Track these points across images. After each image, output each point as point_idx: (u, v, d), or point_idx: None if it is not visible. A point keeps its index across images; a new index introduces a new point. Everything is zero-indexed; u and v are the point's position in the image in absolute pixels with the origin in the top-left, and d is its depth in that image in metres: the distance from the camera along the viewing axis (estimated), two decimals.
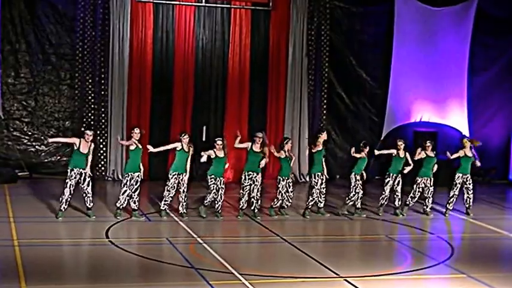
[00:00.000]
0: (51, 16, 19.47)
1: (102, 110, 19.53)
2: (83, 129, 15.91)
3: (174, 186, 15.03)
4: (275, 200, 15.68)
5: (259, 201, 15.45)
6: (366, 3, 21.03)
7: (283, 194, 15.56)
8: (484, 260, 13.10)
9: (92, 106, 19.54)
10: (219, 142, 15.20)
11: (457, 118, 21.45)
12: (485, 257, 13.36)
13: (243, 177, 15.34)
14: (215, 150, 15.16)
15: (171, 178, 15.03)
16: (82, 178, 14.86)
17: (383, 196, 16.20)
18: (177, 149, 15.15)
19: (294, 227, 14.91)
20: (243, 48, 20.25)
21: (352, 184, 16.05)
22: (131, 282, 11.15)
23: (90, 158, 14.96)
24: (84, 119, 19.52)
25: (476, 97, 21.63)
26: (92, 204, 15.05)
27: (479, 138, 21.66)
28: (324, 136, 15.93)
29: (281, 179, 15.53)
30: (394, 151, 16.24)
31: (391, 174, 16.16)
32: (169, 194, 15.06)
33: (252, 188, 15.29)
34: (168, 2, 19.83)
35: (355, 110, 21.32)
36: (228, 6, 20.16)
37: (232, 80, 20.25)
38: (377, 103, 21.25)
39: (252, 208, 15.38)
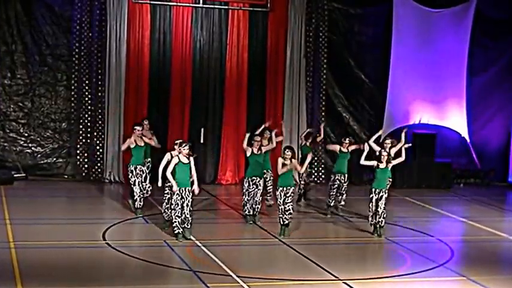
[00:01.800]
0: (48, 17, 19.37)
1: (99, 111, 19.44)
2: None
3: (178, 203, 13.35)
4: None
5: (260, 205, 15.32)
6: (364, 4, 20.96)
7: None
8: (483, 262, 13.08)
9: (89, 107, 19.44)
10: (186, 147, 13.39)
11: (456, 119, 21.41)
12: (484, 259, 13.34)
13: (246, 183, 15.00)
14: (180, 155, 13.38)
15: (174, 194, 13.45)
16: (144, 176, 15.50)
17: (370, 214, 14.48)
18: (175, 163, 13.34)
19: (293, 229, 14.81)
20: (241, 50, 20.16)
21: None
22: (129, 285, 11.09)
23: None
24: (81, 120, 19.43)
25: (475, 98, 21.58)
26: (141, 204, 15.34)
27: (479, 140, 21.73)
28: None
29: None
30: (374, 163, 14.56)
31: (375, 190, 14.42)
32: (175, 212, 13.39)
33: (255, 193, 15.00)
34: (165, 3, 19.74)
35: (354, 111, 21.25)
36: (226, 7, 20.08)
37: (230, 81, 20.16)
38: (376, 104, 21.18)
39: (254, 213, 15.13)
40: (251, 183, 14.98)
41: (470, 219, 16.69)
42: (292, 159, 14.03)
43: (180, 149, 13.43)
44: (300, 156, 17.68)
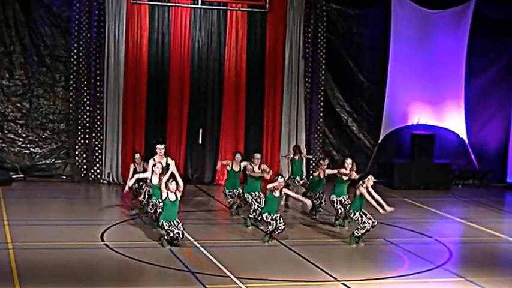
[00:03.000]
0: (46, 18, 19.34)
1: (97, 112, 19.42)
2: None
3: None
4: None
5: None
6: (363, 5, 20.97)
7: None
8: (482, 263, 13.08)
9: (87, 108, 19.42)
10: (173, 184, 13.09)
11: (455, 120, 21.41)
12: (483, 260, 13.34)
13: (248, 196, 15.02)
14: (169, 191, 13.08)
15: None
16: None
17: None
18: (162, 198, 13.11)
19: (291, 230, 14.80)
20: (240, 51, 20.15)
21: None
22: (127, 286, 11.07)
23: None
24: (79, 121, 19.41)
25: (473, 99, 21.59)
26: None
27: (477, 141, 21.74)
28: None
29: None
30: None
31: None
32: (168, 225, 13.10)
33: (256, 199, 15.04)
34: (163, 3, 19.73)
35: (352, 112, 21.25)
36: (224, 8, 20.07)
37: (229, 82, 20.15)
38: (374, 105, 21.19)
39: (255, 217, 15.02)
40: (251, 197, 15.03)
41: (468, 220, 16.68)
42: (282, 190, 13.79)
43: (167, 185, 13.04)
44: (289, 168, 18.05)
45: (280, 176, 13.91)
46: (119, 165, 19.47)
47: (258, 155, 15.63)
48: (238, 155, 16.01)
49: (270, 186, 13.82)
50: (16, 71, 19.40)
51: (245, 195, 15.25)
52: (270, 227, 13.71)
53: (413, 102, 21.17)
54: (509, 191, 21.22)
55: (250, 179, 15.30)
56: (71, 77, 19.45)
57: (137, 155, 16.42)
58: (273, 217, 13.70)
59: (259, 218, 14.72)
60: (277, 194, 13.81)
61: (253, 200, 14.98)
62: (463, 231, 16.16)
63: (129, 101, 19.63)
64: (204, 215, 16.17)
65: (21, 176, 19.20)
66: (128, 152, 19.25)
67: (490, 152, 21.88)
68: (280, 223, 13.68)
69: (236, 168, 15.84)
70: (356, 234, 13.83)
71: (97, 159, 19.48)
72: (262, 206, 14.43)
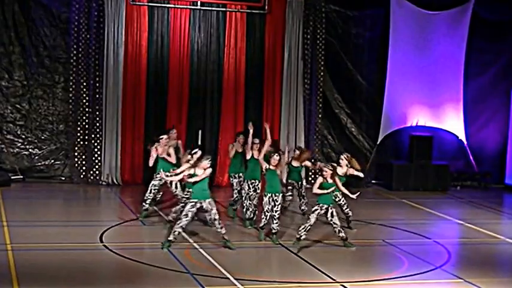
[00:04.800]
0: (46, 19, 19.35)
1: (97, 113, 19.43)
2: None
3: (188, 214, 13.09)
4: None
5: (256, 209, 15.23)
6: (362, 7, 20.99)
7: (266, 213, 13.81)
8: (480, 264, 13.10)
9: (86, 109, 19.42)
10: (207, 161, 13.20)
11: (453, 122, 21.44)
12: (482, 261, 13.36)
13: (246, 185, 14.88)
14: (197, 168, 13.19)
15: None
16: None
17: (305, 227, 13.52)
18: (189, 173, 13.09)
19: (290, 231, 14.82)
20: (239, 52, 20.17)
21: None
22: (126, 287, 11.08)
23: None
24: (79, 122, 19.42)
25: (472, 101, 21.61)
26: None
27: (476, 142, 21.77)
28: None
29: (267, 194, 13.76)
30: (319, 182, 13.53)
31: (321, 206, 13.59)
32: (182, 223, 13.06)
33: (253, 197, 14.90)
34: (163, 5, 19.75)
35: (351, 113, 21.26)
36: (223, 9, 20.09)
37: (228, 83, 20.17)
38: (373, 107, 21.20)
39: (250, 216, 15.02)
40: (250, 186, 14.93)
41: (467, 221, 16.70)
42: (280, 161, 13.73)
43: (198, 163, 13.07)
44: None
45: (276, 154, 13.68)
46: (118, 166, 19.48)
47: (256, 140, 15.13)
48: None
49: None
50: (15, 71, 19.39)
51: (245, 184, 14.94)
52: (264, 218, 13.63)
53: (412, 104, 21.19)
54: (508, 193, 21.24)
55: (250, 163, 14.86)
56: (70, 78, 19.46)
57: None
58: (274, 198, 13.56)
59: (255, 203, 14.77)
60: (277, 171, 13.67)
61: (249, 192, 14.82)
62: (461, 233, 16.17)
63: (128, 102, 19.64)
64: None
65: (20, 177, 19.20)
66: (127, 153, 19.28)
67: (489, 154, 21.91)
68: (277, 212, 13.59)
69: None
70: (343, 235, 13.68)
71: (96, 161, 19.48)
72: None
